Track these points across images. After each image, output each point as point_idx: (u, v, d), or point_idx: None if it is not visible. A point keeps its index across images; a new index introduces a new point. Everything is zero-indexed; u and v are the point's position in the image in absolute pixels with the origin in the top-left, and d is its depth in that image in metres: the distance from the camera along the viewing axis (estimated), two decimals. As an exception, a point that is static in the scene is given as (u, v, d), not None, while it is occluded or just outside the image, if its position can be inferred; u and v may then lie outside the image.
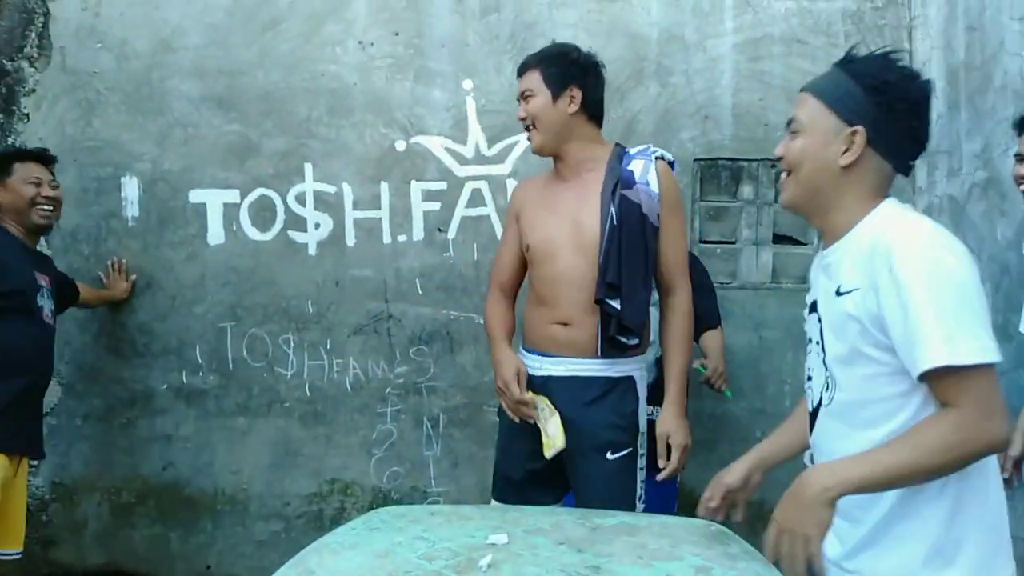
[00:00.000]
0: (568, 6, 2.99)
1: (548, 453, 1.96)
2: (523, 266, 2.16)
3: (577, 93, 1.99)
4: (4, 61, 3.06)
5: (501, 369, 1.99)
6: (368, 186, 3.00)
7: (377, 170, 3.00)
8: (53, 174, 2.59)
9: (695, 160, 2.96)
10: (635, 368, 2.02)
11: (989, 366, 1.10)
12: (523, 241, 2.09)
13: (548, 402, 1.98)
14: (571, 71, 2.00)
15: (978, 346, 1.09)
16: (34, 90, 3.05)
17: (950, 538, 1.19)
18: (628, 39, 2.99)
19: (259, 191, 3.00)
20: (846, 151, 1.19)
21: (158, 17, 3.02)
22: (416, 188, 3.00)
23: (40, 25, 3.07)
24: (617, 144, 2.08)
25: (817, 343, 1.31)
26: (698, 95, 2.96)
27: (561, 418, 1.96)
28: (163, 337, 3.00)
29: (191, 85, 3.01)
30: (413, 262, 3.00)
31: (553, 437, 1.95)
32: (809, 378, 1.36)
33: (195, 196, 3.01)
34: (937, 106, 2.80)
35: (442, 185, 2.99)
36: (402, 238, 3.00)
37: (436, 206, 2.99)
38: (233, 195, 3.00)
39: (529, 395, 1.97)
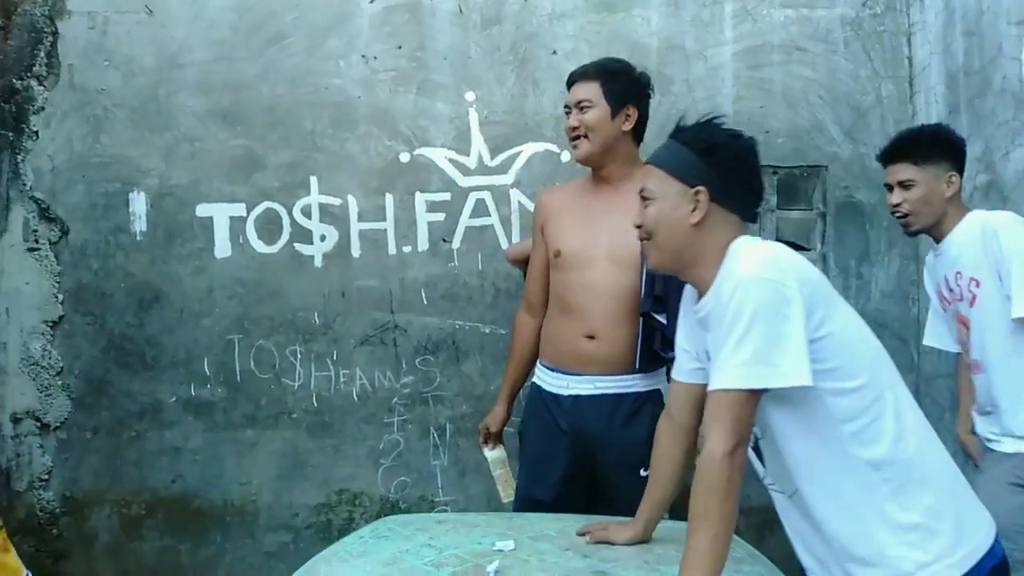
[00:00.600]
0: (569, 17, 3.03)
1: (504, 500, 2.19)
2: (547, 269, 2.14)
3: (633, 112, 2.01)
4: (13, 80, 3.10)
5: (494, 415, 2.24)
6: (373, 198, 3.02)
7: (381, 182, 3.03)
8: None
9: (697, 168, 2.97)
10: (661, 381, 1.98)
11: (744, 391, 1.17)
12: (551, 247, 2.06)
13: (503, 461, 2.24)
14: (632, 89, 2.02)
15: (737, 373, 1.17)
16: (43, 108, 3.09)
17: (912, 527, 1.21)
18: (629, 49, 3.01)
19: (265, 204, 3.03)
20: (694, 210, 1.30)
21: (164, 34, 3.06)
22: (420, 199, 3.02)
23: (49, 44, 3.11)
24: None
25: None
26: (699, 103, 2.97)
27: (592, 437, 1.97)
28: (171, 350, 3.03)
29: (197, 100, 3.05)
30: (418, 272, 3.02)
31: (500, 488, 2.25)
32: None
33: (202, 210, 3.04)
34: (937, 110, 2.82)
35: (446, 196, 3.02)
36: (407, 249, 3.02)
37: (440, 217, 3.02)
38: (239, 208, 3.03)
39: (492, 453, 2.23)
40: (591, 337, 1.94)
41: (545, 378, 2.05)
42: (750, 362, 1.15)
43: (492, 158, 3.02)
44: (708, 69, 3.02)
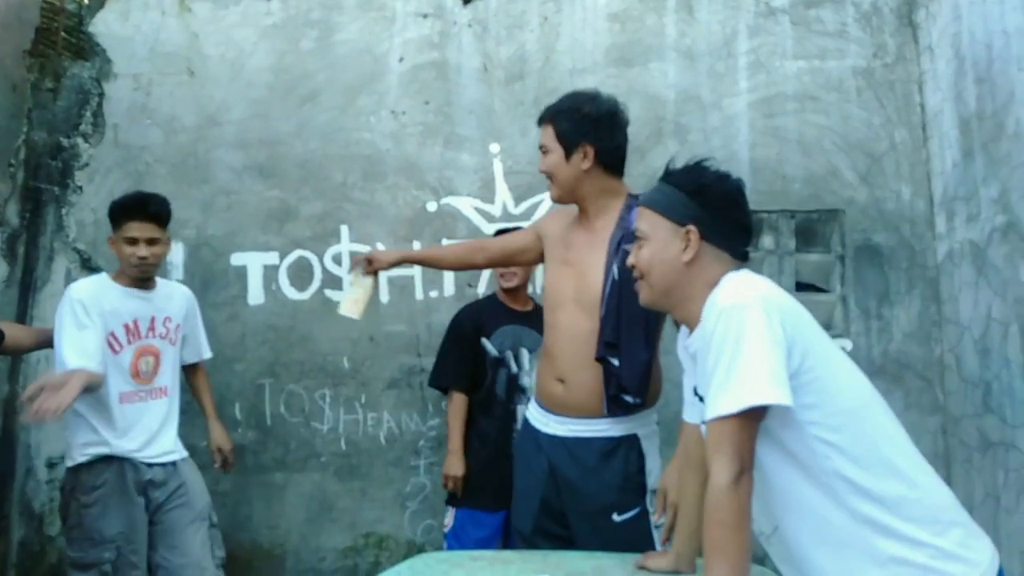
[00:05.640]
0: (589, 72, 3.15)
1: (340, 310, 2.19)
2: (504, 254, 2.20)
3: (590, 150, 1.92)
4: (61, 138, 3.27)
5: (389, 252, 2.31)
6: (401, 245, 3.12)
7: (410, 230, 3.13)
8: None
9: (716, 213, 3.04)
10: (639, 426, 1.93)
11: (740, 414, 1.17)
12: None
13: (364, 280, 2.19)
14: (582, 127, 1.93)
15: (729, 398, 1.17)
16: (87, 164, 3.25)
17: (900, 561, 1.20)
18: (647, 101, 3.13)
19: (297, 253, 3.14)
20: (685, 248, 1.34)
21: (204, 94, 3.23)
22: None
23: (95, 104, 3.29)
24: (630, 194, 1.99)
25: None
26: (716, 151, 3.06)
27: (562, 480, 1.91)
28: (204, 395, 3.09)
29: (234, 155, 3.19)
30: (445, 317, 3.07)
31: (343, 304, 2.19)
32: None
33: (237, 259, 3.15)
34: (952, 155, 2.88)
35: (472, 243, 3.10)
36: (434, 294, 3.10)
37: (466, 263, 3.10)
38: (273, 257, 3.14)
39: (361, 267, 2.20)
40: (560, 380, 1.91)
41: (533, 412, 2.03)
42: (739, 384, 1.16)
43: (516, 206, 3.12)
44: (724, 118, 3.11)
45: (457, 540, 2.62)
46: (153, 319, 2.43)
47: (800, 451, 1.22)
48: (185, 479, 2.42)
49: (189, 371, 2.68)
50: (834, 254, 3.11)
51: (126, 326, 2.36)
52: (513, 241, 2.21)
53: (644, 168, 3.06)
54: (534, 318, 2.45)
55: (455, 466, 2.63)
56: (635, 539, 1.84)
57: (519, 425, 2.39)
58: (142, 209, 2.37)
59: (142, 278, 2.40)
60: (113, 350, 2.33)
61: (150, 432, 2.36)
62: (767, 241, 3.10)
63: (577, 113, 1.95)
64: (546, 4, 3.24)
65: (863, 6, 3.15)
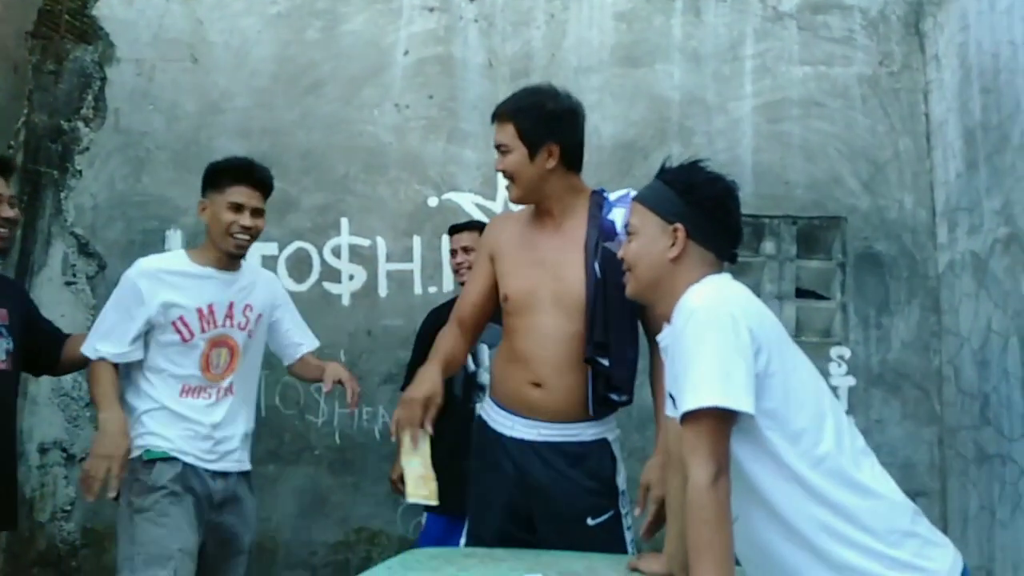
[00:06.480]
0: (594, 71, 3.14)
1: (408, 499, 1.76)
2: (489, 305, 2.00)
3: (555, 148, 1.84)
4: (62, 122, 3.25)
5: (417, 383, 1.78)
6: (401, 240, 3.10)
7: (410, 224, 3.11)
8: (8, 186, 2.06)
9: (718, 216, 3.04)
10: (608, 430, 1.90)
11: (710, 410, 1.18)
12: (500, 290, 1.95)
13: (421, 448, 1.76)
14: (549, 125, 1.84)
15: (700, 394, 1.18)
16: (88, 148, 3.23)
17: (850, 568, 1.21)
18: (652, 102, 3.12)
19: (296, 244, 3.12)
20: (672, 245, 1.35)
21: (208, 81, 3.21)
22: (447, 242, 3.09)
23: (97, 89, 3.27)
24: (595, 191, 1.94)
25: None
26: (720, 154, 3.05)
27: (532, 485, 1.83)
28: (199, 384, 3.08)
29: (236, 144, 3.17)
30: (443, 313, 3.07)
31: (409, 485, 1.73)
32: None
33: (235, 248, 3.13)
34: (956, 165, 2.87)
35: (472, 239, 3.09)
36: (432, 289, 3.09)
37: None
38: (271, 248, 3.12)
39: (413, 432, 1.75)
40: (537, 385, 1.83)
41: (492, 415, 1.93)
42: (710, 382, 1.18)
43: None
44: (729, 122, 3.11)
45: (427, 544, 2.55)
46: (232, 306, 2.06)
47: (762, 455, 1.24)
48: (243, 500, 2.09)
49: (299, 368, 2.29)
50: (835, 261, 3.10)
51: (199, 311, 2.01)
52: (478, 292, 2.00)
53: (647, 169, 3.04)
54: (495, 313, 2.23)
55: (396, 469, 2.47)
56: (608, 542, 1.81)
57: None
58: (252, 174, 2.06)
59: (235, 255, 2.05)
60: (183, 338, 1.99)
61: (214, 434, 2.02)
62: (768, 246, 3.09)
63: (541, 110, 1.85)
64: (553, 1, 3.23)
65: (870, 13, 3.15)
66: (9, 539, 3.05)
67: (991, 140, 2.62)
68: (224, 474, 2.04)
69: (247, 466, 2.12)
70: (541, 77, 3.15)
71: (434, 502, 1.75)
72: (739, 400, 1.18)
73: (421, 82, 3.18)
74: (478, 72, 3.18)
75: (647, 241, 1.37)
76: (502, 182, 3.12)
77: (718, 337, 1.20)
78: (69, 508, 3.05)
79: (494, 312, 2.03)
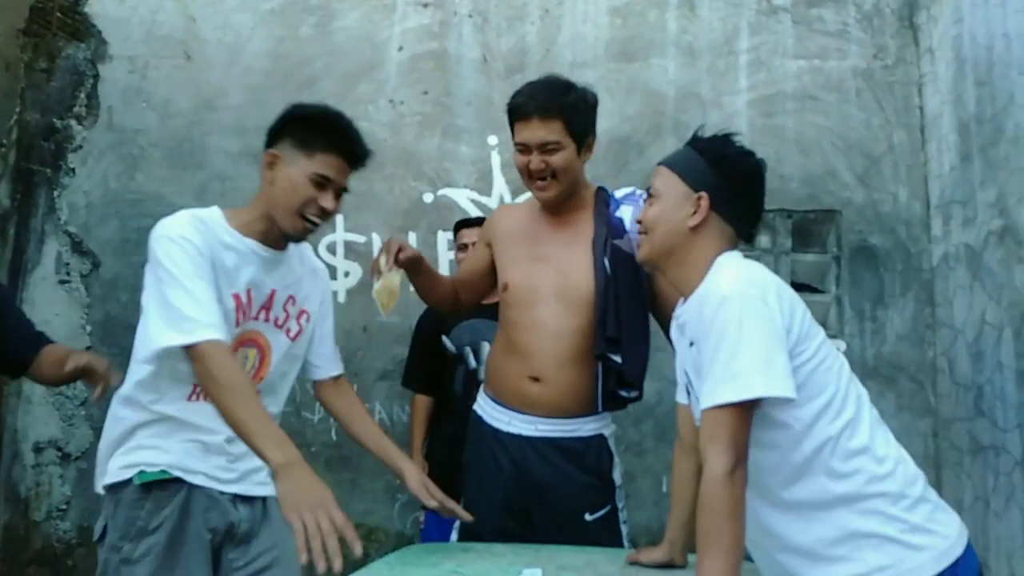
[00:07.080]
0: (589, 66, 3.14)
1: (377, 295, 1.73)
2: (480, 284, 2.01)
3: (592, 139, 1.85)
4: (54, 119, 3.24)
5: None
6: (396, 236, 3.09)
7: (406, 221, 3.11)
8: None
9: (713, 211, 3.04)
10: (604, 426, 1.90)
11: (739, 404, 1.18)
12: (500, 279, 1.94)
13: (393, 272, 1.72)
14: (591, 118, 1.85)
15: (729, 388, 1.18)
16: (81, 146, 3.22)
17: (869, 535, 1.22)
18: (647, 96, 3.12)
19: (291, 241, 3.11)
20: (694, 213, 1.33)
21: (201, 78, 3.20)
22: (443, 237, 3.09)
23: (90, 86, 3.25)
24: (600, 188, 1.93)
25: (697, 399, 1.36)
26: (715, 149, 3.06)
27: (530, 481, 1.82)
28: (194, 382, 3.07)
29: (230, 141, 3.16)
30: (439, 309, 3.07)
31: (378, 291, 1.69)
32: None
33: (230, 246, 3.12)
34: (950, 158, 2.88)
35: (468, 235, 3.09)
36: (428, 286, 3.08)
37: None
38: (266, 245, 3.11)
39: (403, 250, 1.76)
40: (536, 379, 1.81)
41: (488, 410, 1.92)
42: (740, 375, 1.17)
43: (513, 199, 3.10)
44: (723, 116, 3.10)
45: (428, 541, 2.57)
46: (272, 296, 1.57)
47: (782, 428, 1.24)
48: (276, 531, 1.55)
49: (324, 391, 1.81)
50: (830, 255, 3.11)
51: (236, 298, 1.50)
52: (471, 271, 2.02)
53: (643, 164, 3.06)
54: (497, 310, 2.25)
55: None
56: (605, 537, 1.81)
57: None
58: (354, 145, 1.57)
59: (295, 239, 1.56)
60: None
61: (230, 448, 1.51)
62: (763, 240, 3.10)
63: (585, 104, 1.84)
64: (548, -4, 3.22)
65: (864, 7, 3.15)
66: (5, 539, 3.04)
67: (985, 133, 2.63)
68: (248, 499, 1.55)
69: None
70: (536, 72, 3.13)
71: (384, 313, 1.79)
72: (782, 387, 1.18)
73: (415, 78, 3.17)
74: (473, 68, 3.17)
75: (669, 206, 1.35)
76: (498, 178, 3.14)
77: (755, 324, 1.19)
78: (64, 507, 3.05)
79: (494, 312, 2.04)
